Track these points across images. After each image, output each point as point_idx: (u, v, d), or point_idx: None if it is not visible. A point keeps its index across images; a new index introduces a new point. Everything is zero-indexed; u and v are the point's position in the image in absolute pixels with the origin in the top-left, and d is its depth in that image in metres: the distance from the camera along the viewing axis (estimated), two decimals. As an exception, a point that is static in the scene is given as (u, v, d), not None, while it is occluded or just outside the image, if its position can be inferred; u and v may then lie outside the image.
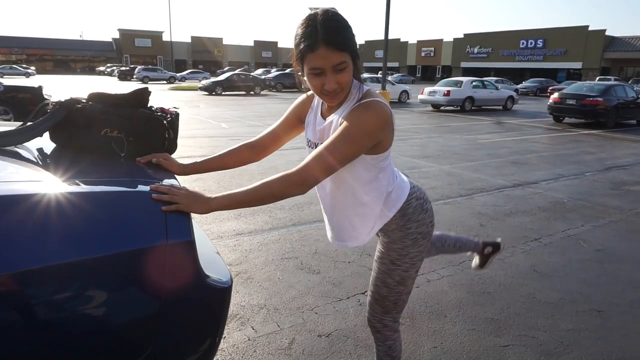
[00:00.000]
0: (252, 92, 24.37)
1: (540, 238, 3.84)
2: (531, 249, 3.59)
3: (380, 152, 1.30)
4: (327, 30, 1.13)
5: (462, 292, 2.83)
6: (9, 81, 9.97)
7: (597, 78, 31.05)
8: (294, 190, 1.18)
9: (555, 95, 13.79)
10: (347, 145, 1.19)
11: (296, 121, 1.50)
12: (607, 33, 41.11)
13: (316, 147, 1.38)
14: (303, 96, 1.48)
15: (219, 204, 1.17)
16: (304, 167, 1.19)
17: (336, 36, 1.14)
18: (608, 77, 33.18)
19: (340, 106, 1.30)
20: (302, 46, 1.15)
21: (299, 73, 1.25)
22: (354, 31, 1.23)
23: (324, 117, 1.37)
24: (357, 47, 1.23)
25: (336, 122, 1.29)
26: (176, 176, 1.33)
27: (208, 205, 1.16)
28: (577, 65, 42.18)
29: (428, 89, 17.40)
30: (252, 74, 28.54)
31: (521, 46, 46.59)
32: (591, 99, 12.59)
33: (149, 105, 1.47)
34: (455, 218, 4.30)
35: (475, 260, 2.25)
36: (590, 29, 41.56)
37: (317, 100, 1.42)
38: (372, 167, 1.33)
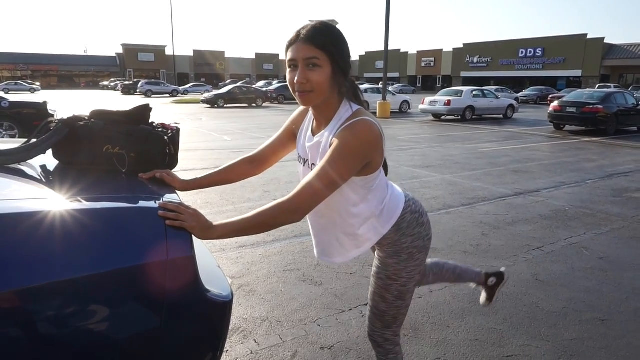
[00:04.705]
0: (254, 105, 24.52)
1: (542, 247, 3.83)
2: (533, 257, 3.58)
3: (368, 174, 1.29)
4: (309, 27, 1.20)
5: (465, 302, 2.82)
6: (14, 97, 10.08)
7: (597, 85, 31.15)
8: (288, 218, 1.18)
9: (556, 103, 13.83)
10: (336, 169, 1.18)
11: (292, 134, 1.50)
12: (605, 41, 41.34)
13: (305, 163, 1.40)
14: (299, 109, 1.48)
15: (217, 232, 1.16)
16: (295, 195, 1.18)
17: (313, 34, 1.19)
18: (608, 84, 33.27)
19: (329, 124, 1.30)
20: (286, 44, 1.24)
21: None
22: (348, 47, 1.25)
23: (313, 134, 1.37)
24: (344, 60, 1.23)
25: (325, 142, 1.28)
26: (178, 192, 1.35)
27: (207, 233, 1.16)
28: (577, 73, 42.35)
29: (429, 98, 17.47)
30: (253, 86, 28.78)
31: (520, 55, 46.86)
32: (591, 106, 12.62)
33: (150, 121, 1.49)
34: (457, 228, 4.30)
35: (483, 295, 2.14)
36: (588, 37, 41.81)
37: (309, 115, 1.42)
38: (360, 189, 1.32)
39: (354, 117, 1.24)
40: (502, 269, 2.12)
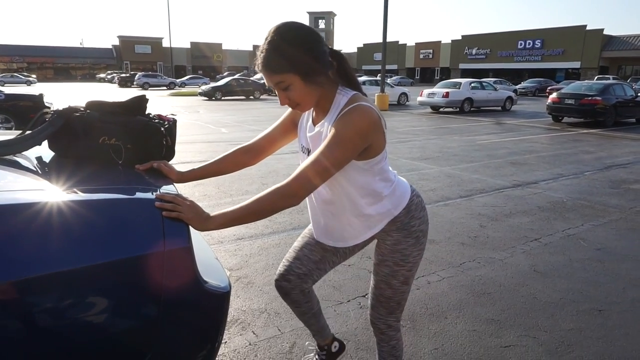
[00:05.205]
0: (251, 97, 24.42)
1: (540, 238, 3.84)
2: (531, 249, 3.60)
3: (372, 157, 1.30)
4: (262, 54, 1.20)
5: (463, 293, 2.83)
6: (10, 89, 10.01)
7: (596, 77, 31.10)
8: (287, 202, 1.19)
9: (554, 95, 13.80)
10: (330, 157, 1.19)
11: (291, 125, 1.51)
12: (605, 32, 41.21)
13: (309, 152, 1.40)
14: None
15: (215, 223, 1.17)
16: (293, 179, 1.20)
17: (268, 60, 1.19)
18: (607, 76, 33.24)
19: (327, 113, 1.31)
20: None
21: None
22: (310, 39, 1.20)
23: (314, 124, 1.38)
24: (310, 62, 1.19)
25: (326, 131, 1.30)
26: (174, 184, 1.34)
27: (205, 224, 1.16)
28: (576, 64, 42.26)
29: (427, 90, 17.43)
30: (251, 78, 28.61)
31: (519, 47, 46.69)
32: (590, 98, 12.60)
33: (146, 113, 1.48)
34: (455, 219, 4.30)
35: None
36: (588, 28, 41.65)
37: None
38: (366, 172, 1.34)
39: (350, 103, 1.25)
40: (344, 342, 2.01)
